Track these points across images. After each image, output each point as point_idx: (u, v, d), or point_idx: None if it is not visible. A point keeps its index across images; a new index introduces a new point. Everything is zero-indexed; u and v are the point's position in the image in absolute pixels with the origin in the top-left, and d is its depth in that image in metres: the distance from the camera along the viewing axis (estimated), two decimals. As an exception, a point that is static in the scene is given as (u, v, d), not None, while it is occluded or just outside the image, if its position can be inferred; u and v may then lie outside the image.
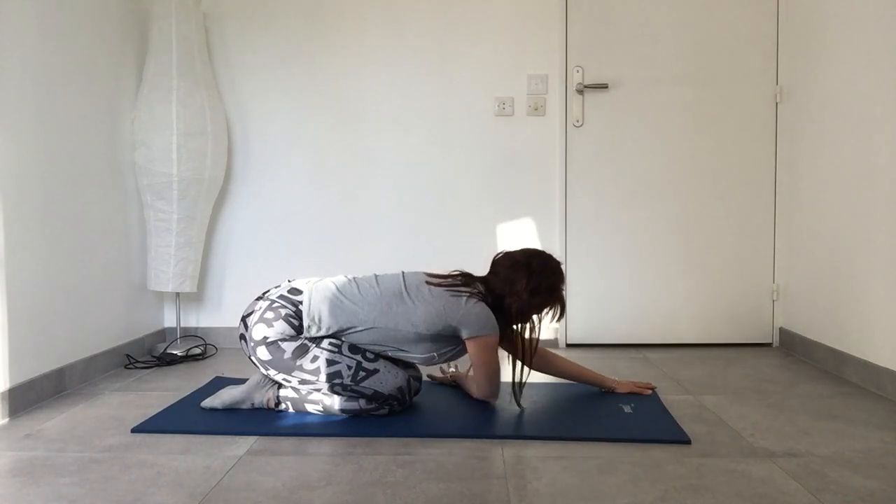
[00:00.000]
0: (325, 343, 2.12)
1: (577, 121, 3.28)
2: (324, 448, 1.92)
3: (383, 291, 2.16)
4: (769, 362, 2.98)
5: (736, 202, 3.30)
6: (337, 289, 2.17)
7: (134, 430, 2.07)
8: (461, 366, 2.62)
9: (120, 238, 2.94)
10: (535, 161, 3.32)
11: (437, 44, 3.30)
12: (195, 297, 3.36)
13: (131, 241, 3.04)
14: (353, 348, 2.13)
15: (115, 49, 2.92)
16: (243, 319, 2.18)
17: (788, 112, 3.20)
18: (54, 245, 2.48)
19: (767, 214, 3.29)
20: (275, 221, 3.36)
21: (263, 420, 2.13)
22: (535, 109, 3.30)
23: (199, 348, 3.16)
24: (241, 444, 1.95)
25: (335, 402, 2.13)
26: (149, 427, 2.08)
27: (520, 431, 2.03)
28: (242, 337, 2.17)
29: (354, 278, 2.24)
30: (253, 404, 2.23)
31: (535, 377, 2.50)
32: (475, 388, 2.27)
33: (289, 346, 2.10)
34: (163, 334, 3.32)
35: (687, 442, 1.94)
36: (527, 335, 2.23)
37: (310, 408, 2.17)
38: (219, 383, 2.58)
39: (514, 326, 2.22)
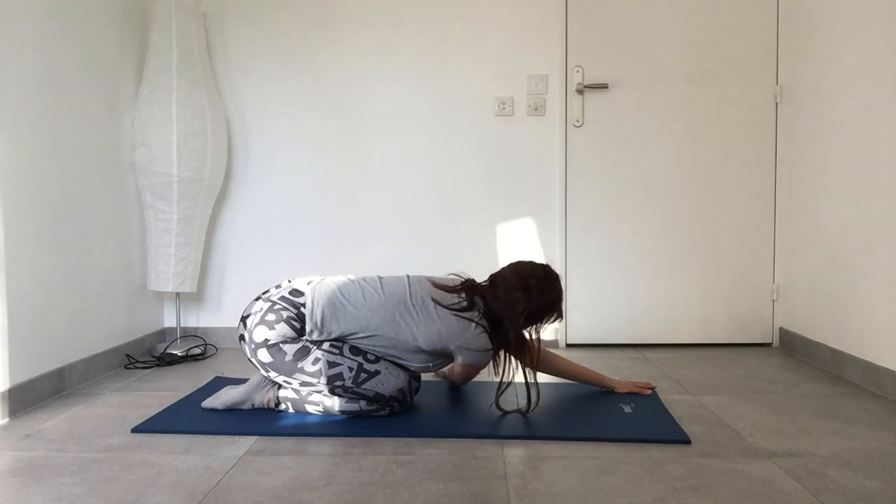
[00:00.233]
0: (326, 345, 2.11)
1: (577, 121, 3.28)
2: (324, 448, 1.92)
3: (387, 298, 2.16)
4: (769, 362, 2.98)
5: (736, 202, 3.30)
6: (340, 292, 2.16)
7: (134, 430, 2.07)
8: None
9: (120, 238, 2.94)
10: (535, 161, 3.32)
11: (438, 44, 3.30)
12: (195, 297, 3.36)
13: (131, 241, 3.04)
14: (355, 350, 2.13)
15: (115, 49, 2.92)
16: (243, 320, 2.17)
17: (788, 112, 3.20)
18: (54, 245, 2.48)
19: (767, 214, 3.30)
20: (275, 221, 3.36)
21: (263, 420, 2.13)
22: (535, 109, 3.30)
23: (199, 348, 3.16)
24: (241, 444, 1.95)
25: (335, 404, 2.13)
26: (149, 427, 2.08)
27: (520, 432, 2.03)
28: (242, 338, 2.17)
29: (357, 280, 2.23)
30: (253, 405, 2.23)
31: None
32: (454, 377, 2.39)
33: (290, 349, 2.10)
34: (163, 334, 3.32)
35: (687, 442, 1.94)
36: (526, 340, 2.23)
37: (310, 408, 2.17)
38: (219, 383, 2.58)
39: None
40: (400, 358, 2.15)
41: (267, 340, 2.11)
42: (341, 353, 2.10)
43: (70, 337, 2.57)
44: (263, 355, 2.11)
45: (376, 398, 2.11)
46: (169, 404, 2.33)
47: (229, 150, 3.28)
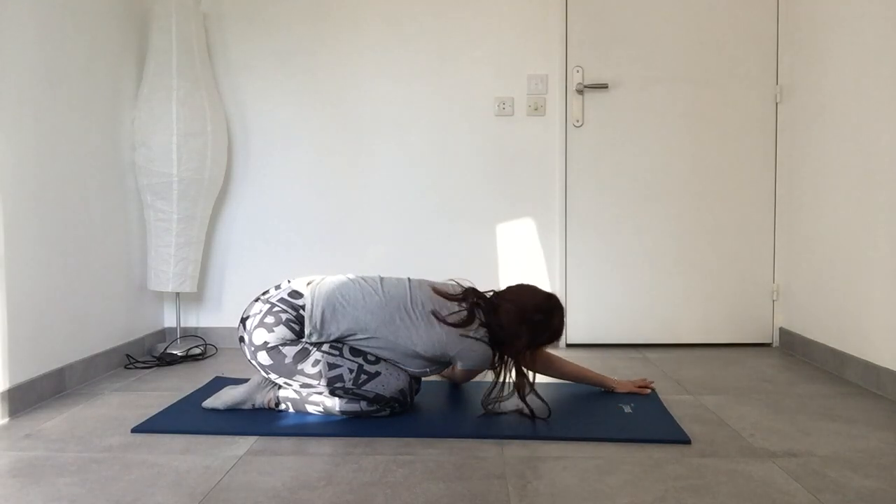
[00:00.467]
0: (326, 347, 2.11)
1: (577, 121, 3.28)
2: (324, 448, 1.92)
3: (388, 300, 2.15)
4: (769, 362, 2.98)
5: (736, 202, 3.30)
6: (339, 293, 2.15)
7: (134, 430, 2.07)
8: None
9: (120, 238, 2.94)
10: (535, 161, 3.32)
11: (438, 44, 3.30)
12: (195, 297, 3.36)
13: (131, 241, 3.04)
14: (355, 351, 2.12)
15: (115, 49, 2.92)
16: (242, 321, 2.17)
17: (788, 112, 3.20)
18: (54, 245, 2.48)
19: (767, 214, 3.30)
20: (275, 221, 3.36)
21: (263, 420, 2.13)
22: (535, 109, 3.30)
23: (199, 348, 3.16)
24: (241, 444, 1.95)
25: (336, 404, 2.13)
26: (149, 427, 2.08)
27: (520, 432, 2.03)
28: (242, 339, 2.16)
29: (357, 280, 2.22)
30: (254, 405, 2.23)
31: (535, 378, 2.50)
32: (454, 377, 2.42)
33: (290, 351, 2.10)
34: (163, 334, 3.32)
35: (687, 442, 1.94)
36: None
37: (310, 409, 2.17)
38: (219, 383, 2.58)
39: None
40: (398, 362, 2.15)
41: (266, 343, 2.10)
42: (341, 355, 2.10)
43: (70, 337, 2.57)
44: (263, 358, 2.11)
45: (377, 399, 2.11)
46: (169, 404, 2.33)
47: (229, 150, 3.28)
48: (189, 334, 3.29)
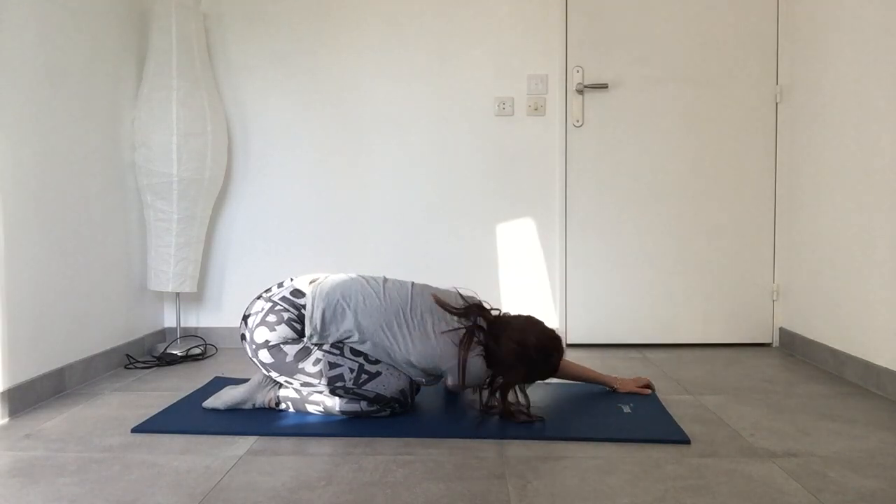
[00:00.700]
0: (326, 346, 2.11)
1: (577, 121, 3.28)
2: (324, 448, 1.92)
3: (387, 305, 2.14)
4: (769, 362, 2.98)
5: (736, 202, 3.30)
6: (340, 295, 2.14)
7: (134, 430, 2.07)
8: None
9: (120, 238, 2.94)
10: (535, 161, 3.32)
11: (438, 44, 3.30)
12: (195, 297, 3.36)
13: (131, 241, 3.04)
14: (356, 351, 2.12)
15: (115, 49, 2.92)
16: (244, 319, 2.18)
17: (788, 112, 3.20)
18: (54, 245, 2.48)
19: (767, 214, 3.29)
20: (275, 221, 3.36)
21: (263, 420, 2.13)
22: (535, 109, 3.30)
23: (199, 348, 3.16)
24: (241, 444, 1.95)
25: (336, 404, 2.13)
26: (149, 427, 2.08)
27: (520, 432, 2.03)
28: (244, 337, 2.17)
29: (360, 280, 2.21)
30: (254, 404, 2.23)
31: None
32: (448, 385, 2.28)
33: (291, 350, 2.10)
34: (163, 334, 3.32)
35: (687, 442, 1.94)
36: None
37: (310, 408, 2.17)
38: (219, 383, 2.58)
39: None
40: (395, 366, 2.15)
41: (268, 342, 2.11)
42: (342, 354, 2.10)
43: (70, 337, 2.57)
44: (264, 356, 2.11)
45: (377, 399, 2.11)
46: (169, 404, 2.33)
47: (229, 150, 3.28)
48: (189, 334, 3.29)
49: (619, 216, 3.31)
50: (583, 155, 3.29)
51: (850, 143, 2.64)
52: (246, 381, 2.40)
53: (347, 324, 2.11)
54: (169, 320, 3.36)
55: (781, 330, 3.27)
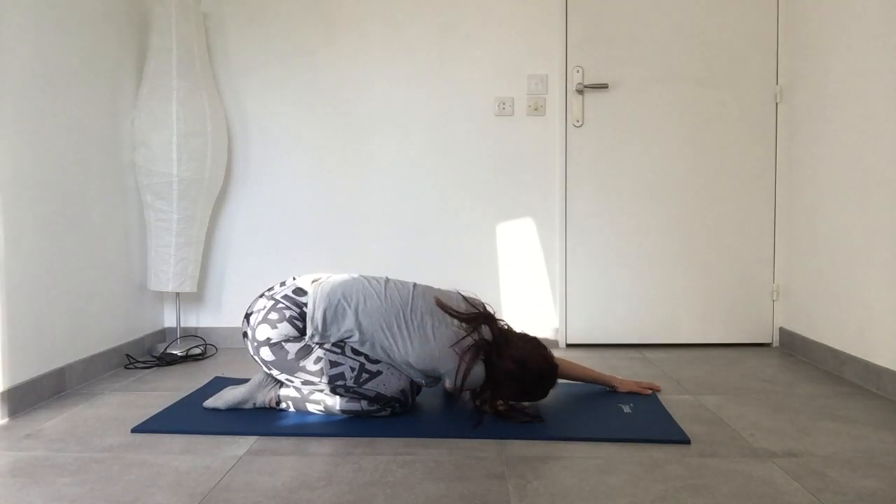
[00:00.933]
0: (328, 344, 2.11)
1: (577, 121, 3.28)
2: (324, 448, 1.92)
3: (388, 305, 2.14)
4: (769, 362, 2.97)
5: (736, 202, 3.30)
6: (341, 295, 2.15)
7: (134, 430, 2.07)
8: None
9: (120, 238, 2.94)
10: (535, 161, 3.32)
11: (438, 43, 3.30)
12: (195, 297, 3.36)
13: (131, 241, 3.04)
14: (357, 350, 2.12)
15: (115, 49, 2.92)
16: (246, 317, 2.18)
17: (788, 112, 3.20)
18: (54, 245, 2.48)
19: (767, 214, 3.29)
20: (275, 221, 3.36)
21: (264, 420, 2.13)
22: (535, 109, 3.30)
23: (199, 348, 3.16)
24: (241, 444, 1.95)
25: (337, 403, 2.13)
26: (149, 427, 2.08)
27: (519, 431, 2.03)
28: (245, 335, 2.17)
29: (362, 281, 2.21)
30: (255, 404, 2.23)
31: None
32: (446, 387, 2.27)
33: (292, 348, 2.10)
34: (163, 334, 3.32)
35: (687, 442, 1.94)
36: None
37: (311, 407, 2.17)
38: (219, 383, 2.58)
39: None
40: (395, 366, 2.15)
41: (269, 339, 2.11)
42: (343, 353, 2.10)
43: (70, 337, 2.57)
44: (266, 353, 2.12)
45: (378, 398, 2.11)
46: (169, 404, 2.33)
47: (229, 150, 3.28)
48: (189, 334, 3.29)
49: (619, 216, 3.31)
50: (583, 155, 3.29)
51: (850, 142, 2.64)
52: (246, 381, 2.40)
53: (348, 323, 2.11)
54: (169, 320, 3.36)
55: (781, 330, 3.27)
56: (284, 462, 1.81)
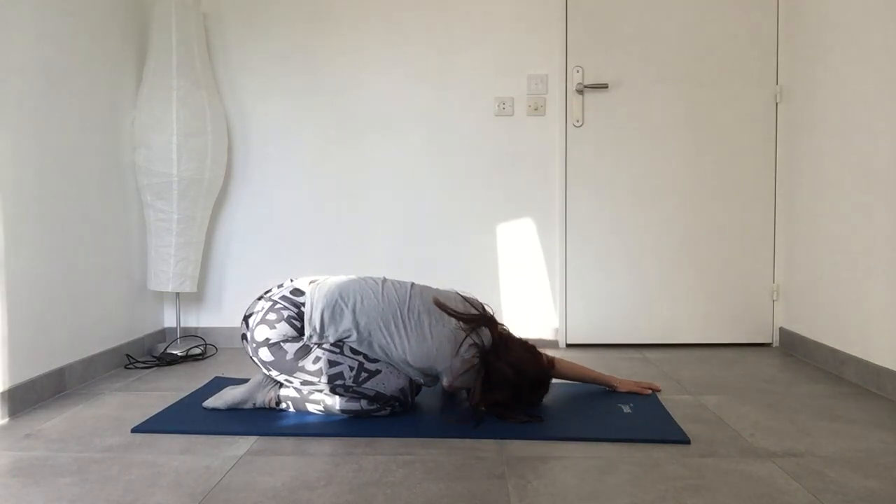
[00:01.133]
0: (326, 344, 2.12)
1: (577, 121, 3.28)
2: (324, 448, 1.92)
3: (385, 305, 2.14)
4: (769, 362, 2.97)
5: (736, 202, 3.30)
6: (339, 295, 2.15)
7: (134, 430, 2.07)
8: None
9: (120, 238, 2.94)
10: (535, 161, 3.32)
11: (437, 43, 3.30)
12: (195, 297, 3.36)
13: (131, 241, 3.04)
14: (355, 349, 2.12)
15: (115, 49, 2.92)
16: (245, 319, 2.18)
17: (788, 112, 3.20)
18: (54, 245, 2.48)
19: (767, 214, 3.29)
20: (275, 221, 3.36)
21: (264, 420, 2.13)
22: (535, 109, 3.30)
23: (199, 348, 3.16)
24: (241, 444, 1.95)
25: (336, 402, 2.13)
26: (149, 427, 2.08)
27: (520, 431, 2.03)
28: (244, 337, 2.17)
29: (359, 281, 2.21)
30: (255, 404, 2.23)
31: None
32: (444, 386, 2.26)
33: (291, 348, 2.10)
34: (163, 334, 3.32)
35: (687, 442, 1.94)
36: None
37: (311, 407, 2.17)
38: (219, 383, 2.58)
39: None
40: (394, 365, 2.15)
41: (268, 339, 2.11)
42: (342, 353, 2.10)
43: (70, 337, 2.57)
44: (265, 354, 2.12)
45: (377, 397, 2.11)
46: (169, 404, 2.33)
47: (229, 151, 3.28)
48: (189, 334, 3.29)
49: (619, 216, 3.31)
50: (583, 155, 3.29)
51: (850, 143, 2.64)
52: (246, 381, 2.40)
53: (346, 323, 2.11)
54: (169, 320, 3.36)
55: (781, 330, 3.27)
56: (284, 462, 1.81)
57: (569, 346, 3.33)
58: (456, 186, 3.33)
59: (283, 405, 2.21)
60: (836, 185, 2.76)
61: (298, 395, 2.18)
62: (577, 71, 3.27)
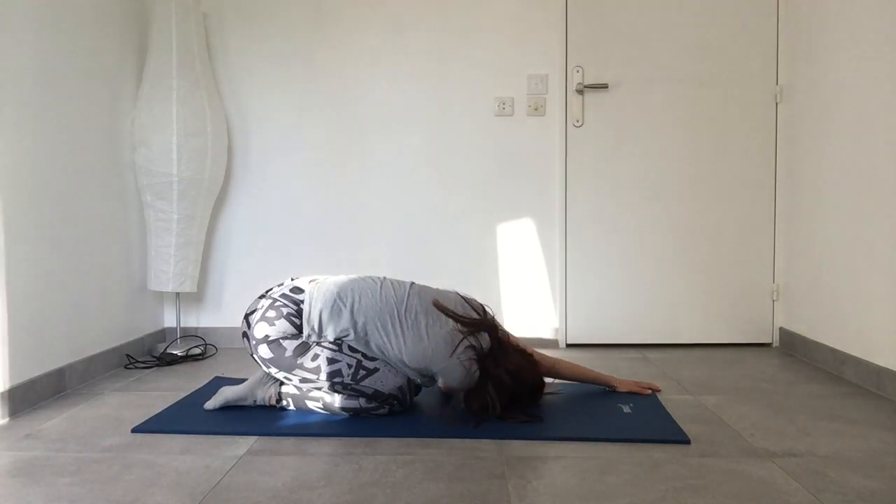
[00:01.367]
0: (325, 342, 2.12)
1: (577, 121, 3.28)
2: (324, 448, 1.92)
3: (383, 304, 2.14)
4: (769, 362, 2.97)
5: (736, 202, 3.30)
6: (338, 295, 2.15)
7: (134, 430, 2.07)
8: None
9: (120, 238, 2.94)
10: (535, 161, 3.32)
11: (437, 43, 3.30)
12: (195, 297, 3.36)
13: (131, 241, 3.04)
14: (354, 347, 2.13)
15: (115, 49, 2.92)
16: (246, 318, 2.19)
17: (788, 112, 3.20)
18: (54, 245, 2.48)
19: (767, 214, 3.29)
20: (275, 221, 3.36)
21: (264, 420, 2.13)
22: (535, 109, 3.30)
23: (199, 348, 3.16)
24: (241, 444, 1.95)
25: (336, 400, 2.14)
26: (149, 427, 2.09)
27: (519, 431, 2.03)
28: (245, 335, 2.18)
29: (358, 280, 2.22)
30: (255, 401, 2.23)
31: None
32: (441, 387, 2.25)
33: (290, 345, 2.11)
34: (163, 334, 3.32)
35: (687, 442, 1.94)
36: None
37: (311, 405, 2.17)
38: (219, 383, 2.58)
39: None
40: (392, 364, 2.15)
41: (267, 336, 2.11)
42: (340, 350, 2.11)
43: (70, 337, 2.57)
44: (264, 351, 2.12)
45: (375, 395, 2.11)
46: (169, 404, 2.33)
47: (229, 150, 3.28)
48: (189, 334, 3.29)
49: (619, 216, 3.31)
50: (583, 155, 3.29)
51: (850, 143, 2.64)
52: (245, 381, 2.40)
53: (344, 322, 2.12)
54: (169, 320, 3.36)
55: (781, 330, 3.27)
56: (284, 462, 1.81)
57: (569, 346, 3.33)
58: (456, 186, 3.33)
59: (284, 402, 2.21)
60: (836, 185, 2.76)
61: (298, 393, 2.19)
62: (577, 71, 3.27)
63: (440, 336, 2.11)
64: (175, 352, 3.07)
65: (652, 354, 3.15)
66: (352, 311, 2.12)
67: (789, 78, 3.19)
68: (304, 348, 2.11)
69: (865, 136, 2.54)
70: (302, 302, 2.14)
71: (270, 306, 2.15)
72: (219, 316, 3.37)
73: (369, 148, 3.34)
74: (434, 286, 2.34)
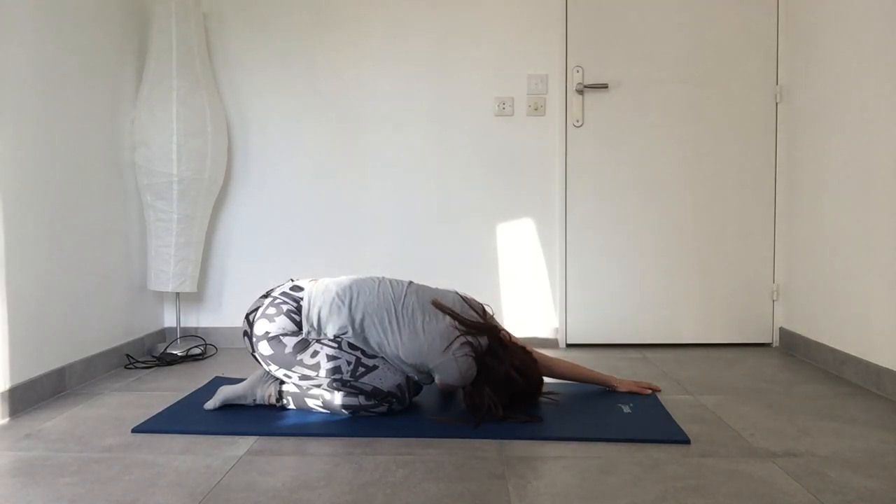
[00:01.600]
0: (325, 339, 2.12)
1: (577, 121, 3.28)
2: (324, 448, 1.92)
3: (380, 301, 2.15)
4: (769, 362, 2.98)
5: (736, 202, 3.30)
6: (337, 294, 2.16)
7: (134, 430, 2.07)
8: None
9: (120, 238, 2.94)
10: (535, 161, 3.32)
11: (438, 44, 3.30)
12: (195, 297, 3.36)
13: (131, 241, 3.04)
14: (353, 345, 2.13)
15: (115, 49, 2.92)
16: (247, 317, 2.19)
17: (788, 112, 3.20)
18: (54, 245, 2.48)
19: (767, 214, 3.29)
20: (275, 221, 3.36)
21: (264, 420, 2.13)
22: (535, 109, 3.30)
23: (199, 348, 3.16)
24: (241, 444, 1.95)
25: (335, 398, 2.14)
26: (149, 427, 2.09)
27: (519, 431, 2.03)
28: (246, 334, 2.18)
29: (357, 279, 2.23)
30: (255, 400, 2.23)
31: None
32: (439, 386, 2.25)
33: (290, 341, 2.11)
34: (163, 334, 3.32)
35: (687, 442, 1.94)
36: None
37: (310, 403, 2.18)
38: (219, 383, 2.58)
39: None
40: (391, 362, 2.15)
41: (267, 333, 2.12)
42: (340, 347, 2.11)
43: (70, 337, 2.57)
44: (264, 348, 2.12)
45: (374, 393, 2.11)
46: (169, 404, 2.33)
47: (229, 150, 3.28)
48: (189, 334, 3.29)
49: (619, 216, 3.31)
50: (583, 155, 3.29)
51: (850, 142, 2.64)
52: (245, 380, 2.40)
53: (342, 319, 2.12)
54: (169, 320, 3.36)
55: (781, 330, 3.27)
56: (284, 462, 1.81)
57: (569, 346, 3.33)
58: (456, 186, 3.33)
59: (285, 401, 2.21)
60: (836, 185, 2.76)
61: (298, 391, 2.19)
62: (577, 71, 3.27)
63: (436, 332, 2.12)
64: (175, 352, 3.07)
65: (652, 354, 3.15)
66: (350, 308, 2.13)
67: (789, 78, 3.19)
68: (303, 345, 2.11)
69: (865, 136, 2.54)
70: (302, 299, 2.15)
71: (271, 304, 2.16)
72: (219, 316, 3.37)
73: (369, 148, 3.34)
74: (434, 286, 2.34)
